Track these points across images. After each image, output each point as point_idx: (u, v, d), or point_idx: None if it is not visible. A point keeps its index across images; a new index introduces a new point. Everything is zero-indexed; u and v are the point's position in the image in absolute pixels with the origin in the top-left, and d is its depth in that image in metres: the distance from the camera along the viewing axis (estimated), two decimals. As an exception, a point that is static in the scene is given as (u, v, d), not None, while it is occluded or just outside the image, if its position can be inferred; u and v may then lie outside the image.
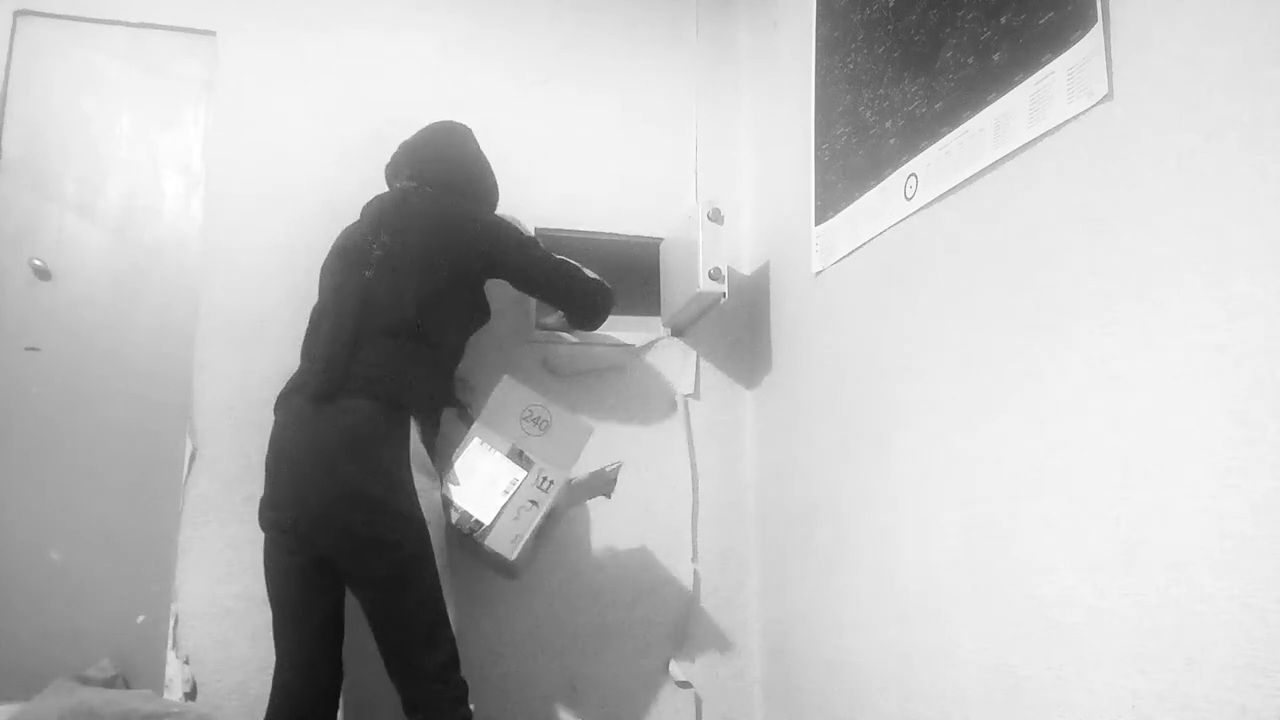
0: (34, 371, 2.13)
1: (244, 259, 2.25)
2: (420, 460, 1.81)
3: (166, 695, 2.02)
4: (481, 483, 1.93)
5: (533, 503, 1.93)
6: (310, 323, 1.95)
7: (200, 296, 2.23)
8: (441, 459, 1.95)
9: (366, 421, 1.75)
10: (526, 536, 1.90)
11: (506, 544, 1.90)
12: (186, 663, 2.05)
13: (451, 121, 2.17)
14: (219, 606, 2.09)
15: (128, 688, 2.00)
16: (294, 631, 1.80)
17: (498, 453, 1.96)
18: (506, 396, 2.01)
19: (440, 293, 1.91)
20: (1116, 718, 1.16)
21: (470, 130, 2.18)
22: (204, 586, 2.10)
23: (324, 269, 2.01)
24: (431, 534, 1.78)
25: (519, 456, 1.96)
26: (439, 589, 1.78)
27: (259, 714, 1.82)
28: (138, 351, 2.20)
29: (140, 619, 2.09)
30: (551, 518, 2.01)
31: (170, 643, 2.06)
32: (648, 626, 2.36)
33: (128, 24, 2.31)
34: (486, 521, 1.90)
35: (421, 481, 1.79)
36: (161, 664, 2.05)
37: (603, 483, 2.14)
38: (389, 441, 1.77)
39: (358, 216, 2.06)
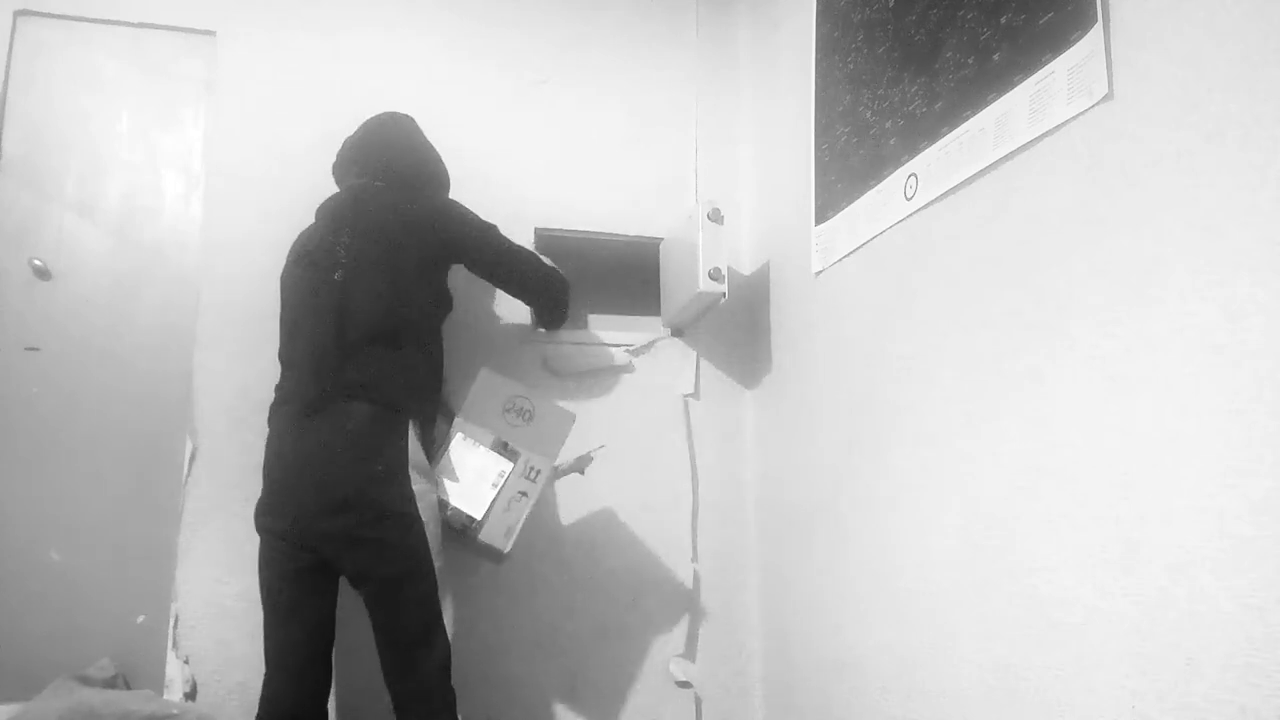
0: (34, 371, 2.13)
1: (244, 259, 2.25)
2: (417, 462, 1.82)
3: (166, 695, 2.02)
4: (469, 477, 1.94)
5: (522, 494, 1.94)
6: (284, 331, 1.94)
7: (200, 297, 2.23)
8: (432, 457, 1.95)
9: (364, 424, 1.76)
10: (518, 528, 1.92)
11: (500, 537, 1.92)
12: (186, 663, 2.05)
13: (391, 112, 2.14)
14: (219, 606, 2.09)
15: (128, 687, 1.99)
16: (286, 635, 1.80)
17: (482, 446, 1.96)
18: (486, 389, 2.01)
19: (412, 289, 1.90)
20: (1116, 718, 1.16)
21: (412, 118, 2.14)
22: (204, 586, 2.10)
23: (286, 276, 1.98)
24: (430, 536, 1.79)
25: (504, 448, 1.97)
26: (436, 591, 1.79)
27: (259, 714, 1.82)
28: (138, 351, 2.20)
29: (140, 619, 2.09)
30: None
31: (170, 643, 2.06)
32: (648, 626, 2.36)
33: (128, 24, 2.31)
34: (478, 516, 1.91)
35: (420, 484, 1.80)
36: (161, 664, 2.05)
37: (581, 463, 2.18)
38: (386, 443, 1.78)
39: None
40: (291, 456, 1.79)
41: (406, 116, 2.14)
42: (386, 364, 1.82)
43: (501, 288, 2.16)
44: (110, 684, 1.96)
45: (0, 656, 1.99)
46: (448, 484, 1.92)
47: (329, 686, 1.84)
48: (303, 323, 1.88)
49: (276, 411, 1.88)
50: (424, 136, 2.14)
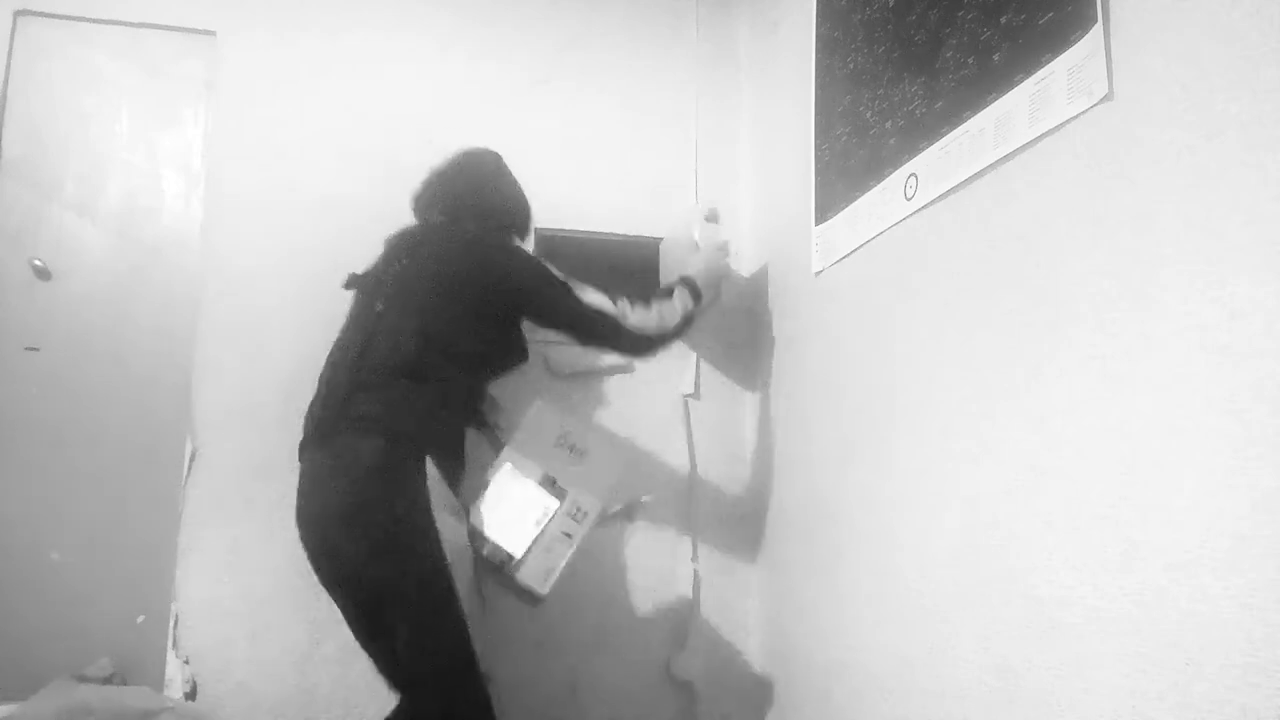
0: (34, 371, 2.13)
1: (244, 259, 2.26)
2: (444, 499, 1.68)
3: (167, 695, 2.02)
4: (512, 512, 1.82)
5: (566, 534, 1.83)
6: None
7: (200, 296, 2.23)
8: (470, 487, 1.84)
9: (363, 459, 1.64)
10: (559, 570, 1.81)
11: (539, 579, 1.80)
12: (186, 663, 2.05)
13: (480, 149, 2.08)
14: (219, 606, 2.09)
15: (125, 685, 1.99)
16: (364, 641, 1.77)
17: (530, 480, 1.85)
18: (540, 421, 1.92)
19: (450, 328, 1.78)
20: (1116, 718, 1.16)
21: (498, 155, 2.09)
22: (204, 586, 2.10)
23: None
24: (458, 573, 1.65)
25: (551, 485, 1.86)
26: (462, 632, 1.64)
27: (259, 714, 1.82)
28: (138, 351, 2.20)
29: (140, 619, 2.09)
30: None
31: (170, 643, 2.06)
32: (648, 626, 2.36)
33: (128, 24, 2.31)
34: (518, 555, 1.79)
35: (447, 522, 1.66)
36: (161, 664, 2.06)
37: (630, 510, 2.17)
38: (391, 479, 1.65)
39: (365, 234, 1.99)
40: (303, 490, 1.72)
41: (495, 154, 2.08)
42: (390, 397, 1.70)
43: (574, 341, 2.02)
44: (108, 682, 1.96)
45: (0, 656, 1.99)
46: (487, 516, 1.80)
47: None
48: (334, 351, 1.83)
49: (302, 442, 1.80)
50: (509, 175, 2.08)
